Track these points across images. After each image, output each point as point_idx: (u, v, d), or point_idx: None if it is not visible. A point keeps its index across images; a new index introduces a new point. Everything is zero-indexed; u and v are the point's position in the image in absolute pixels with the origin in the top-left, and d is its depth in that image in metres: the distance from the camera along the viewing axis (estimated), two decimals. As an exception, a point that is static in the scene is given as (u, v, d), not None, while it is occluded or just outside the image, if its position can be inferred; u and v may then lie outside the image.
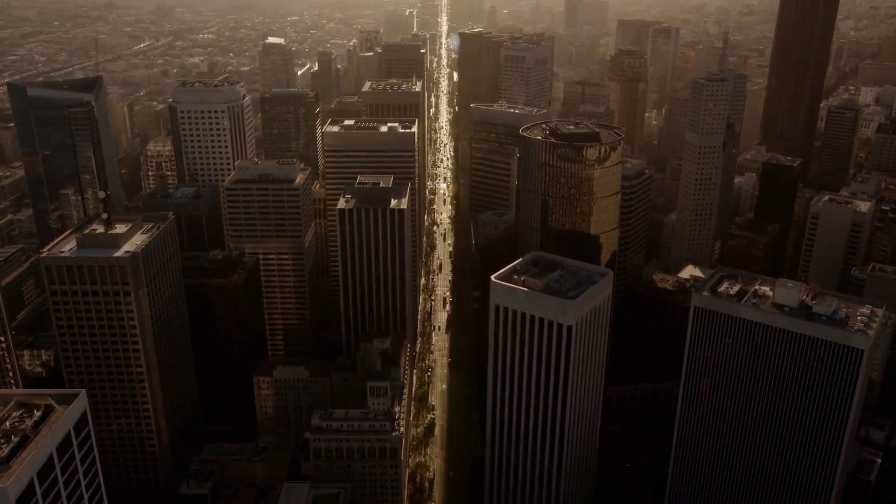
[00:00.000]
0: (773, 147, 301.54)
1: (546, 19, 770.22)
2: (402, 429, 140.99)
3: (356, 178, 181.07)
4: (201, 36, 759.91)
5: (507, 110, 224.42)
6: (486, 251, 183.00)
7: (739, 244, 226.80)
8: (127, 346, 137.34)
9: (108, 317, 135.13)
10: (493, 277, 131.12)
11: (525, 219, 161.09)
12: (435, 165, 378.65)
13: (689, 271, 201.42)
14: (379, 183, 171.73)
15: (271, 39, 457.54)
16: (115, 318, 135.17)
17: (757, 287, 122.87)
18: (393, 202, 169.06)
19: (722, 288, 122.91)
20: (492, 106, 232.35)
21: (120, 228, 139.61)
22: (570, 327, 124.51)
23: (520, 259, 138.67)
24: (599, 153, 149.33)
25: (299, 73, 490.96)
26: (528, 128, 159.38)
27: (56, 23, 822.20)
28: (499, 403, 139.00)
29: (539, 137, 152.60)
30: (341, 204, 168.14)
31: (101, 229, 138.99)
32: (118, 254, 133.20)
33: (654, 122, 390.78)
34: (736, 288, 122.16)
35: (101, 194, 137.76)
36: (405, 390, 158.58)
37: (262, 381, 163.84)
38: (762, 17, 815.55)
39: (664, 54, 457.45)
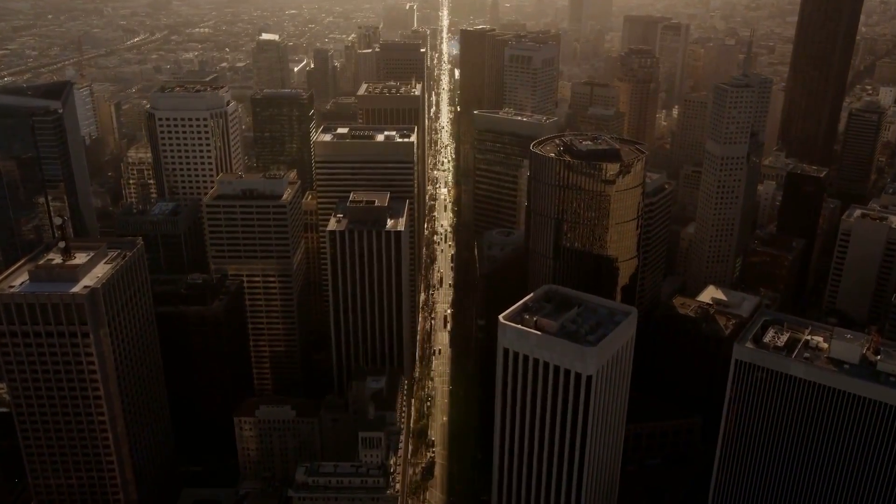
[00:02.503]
0: (793, 152, 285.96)
1: (549, 13, 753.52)
2: (398, 485, 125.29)
3: (350, 192, 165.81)
4: (197, 30, 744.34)
5: (514, 118, 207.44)
6: (493, 276, 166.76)
7: (762, 261, 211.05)
8: (86, 392, 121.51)
9: (65, 360, 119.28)
10: (501, 318, 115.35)
11: (536, 245, 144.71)
12: (435, 169, 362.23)
13: (710, 293, 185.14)
14: (374, 201, 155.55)
15: (265, 36, 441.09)
16: (72, 361, 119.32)
17: (808, 337, 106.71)
18: (389, 222, 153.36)
19: (767, 337, 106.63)
20: (497, 113, 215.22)
21: (80, 258, 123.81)
22: (589, 377, 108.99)
23: (530, 294, 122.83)
24: (621, 173, 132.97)
25: (296, 69, 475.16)
26: (539, 143, 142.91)
27: (50, 16, 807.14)
28: (507, 454, 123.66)
29: (552, 155, 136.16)
30: (332, 225, 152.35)
31: (58, 259, 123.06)
32: (76, 289, 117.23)
33: (664, 123, 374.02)
34: (784, 338, 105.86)
35: (58, 220, 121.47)
36: (402, 427, 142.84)
37: (243, 421, 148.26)
38: (770, 12, 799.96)
39: (673, 52, 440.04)
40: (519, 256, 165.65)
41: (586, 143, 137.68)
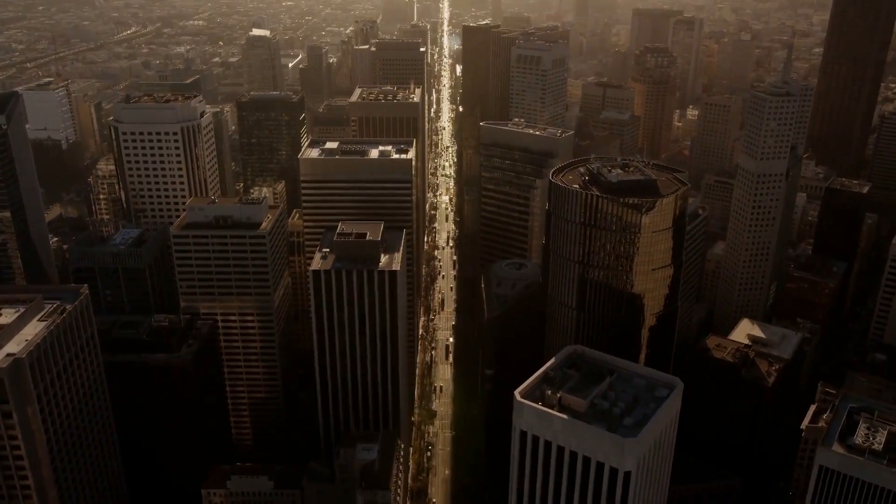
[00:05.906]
0: (822, 159, 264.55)
1: (553, 6, 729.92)
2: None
3: (340, 214, 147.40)
4: (191, 22, 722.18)
5: (525, 131, 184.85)
6: (502, 319, 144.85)
7: (800, 288, 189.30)
8: (12, 482, 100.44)
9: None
10: (517, 395, 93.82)
11: (556, 291, 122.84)
12: (436, 174, 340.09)
13: (745, 329, 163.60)
14: (365, 234, 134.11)
15: (256, 31, 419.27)
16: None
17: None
18: (383, 259, 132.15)
19: (859, 437, 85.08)
20: (506, 125, 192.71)
21: (6, 315, 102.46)
22: (627, 473, 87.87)
23: (551, 360, 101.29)
24: (658, 210, 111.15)
25: (290, 64, 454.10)
26: (560, 170, 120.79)
27: (41, 7, 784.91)
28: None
29: (576, 186, 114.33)
30: (317, 263, 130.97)
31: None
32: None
33: (679, 123, 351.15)
34: (880, 437, 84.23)
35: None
36: (399, 483, 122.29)
37: (212, 494, 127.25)
38: (780, 3, 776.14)
39: (686, 48, 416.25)
40: (532, 295, 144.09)
41: (616, 171, 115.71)
